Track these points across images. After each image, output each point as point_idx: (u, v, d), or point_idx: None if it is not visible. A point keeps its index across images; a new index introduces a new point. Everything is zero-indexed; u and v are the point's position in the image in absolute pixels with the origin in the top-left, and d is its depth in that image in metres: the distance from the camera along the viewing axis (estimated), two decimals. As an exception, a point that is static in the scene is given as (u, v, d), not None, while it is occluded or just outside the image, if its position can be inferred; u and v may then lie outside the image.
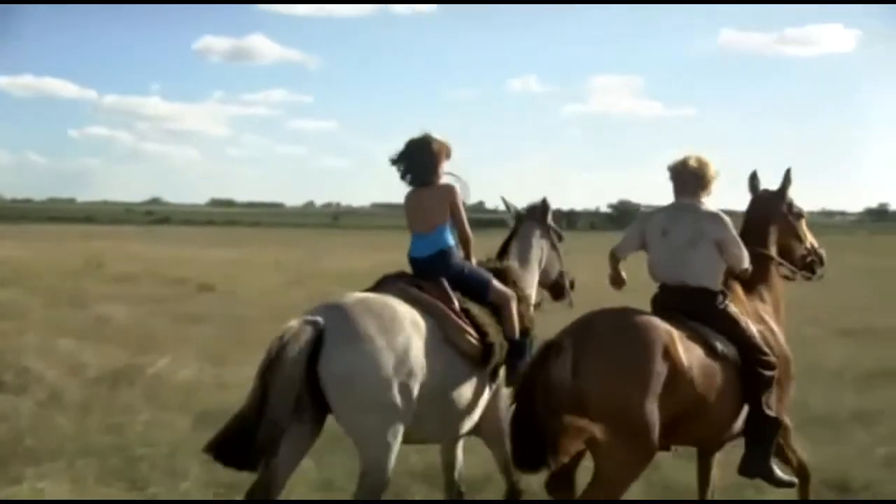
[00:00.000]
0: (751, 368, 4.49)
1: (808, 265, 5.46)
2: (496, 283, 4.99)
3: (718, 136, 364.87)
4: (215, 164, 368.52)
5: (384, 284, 4.85)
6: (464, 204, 5.03)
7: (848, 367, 9.95)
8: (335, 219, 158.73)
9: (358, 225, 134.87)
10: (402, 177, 5.06)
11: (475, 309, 4.76)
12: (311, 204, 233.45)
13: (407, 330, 4.36)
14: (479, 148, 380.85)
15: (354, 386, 4.18)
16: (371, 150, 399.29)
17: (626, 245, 4.99)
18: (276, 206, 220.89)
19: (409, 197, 5.08)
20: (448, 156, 5.04)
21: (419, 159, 4.98)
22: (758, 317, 4.90)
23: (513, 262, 5.36)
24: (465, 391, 4.64)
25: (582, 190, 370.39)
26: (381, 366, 4.20)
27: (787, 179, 5.33)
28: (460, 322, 4.63)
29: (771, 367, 4.54)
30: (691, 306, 4.57)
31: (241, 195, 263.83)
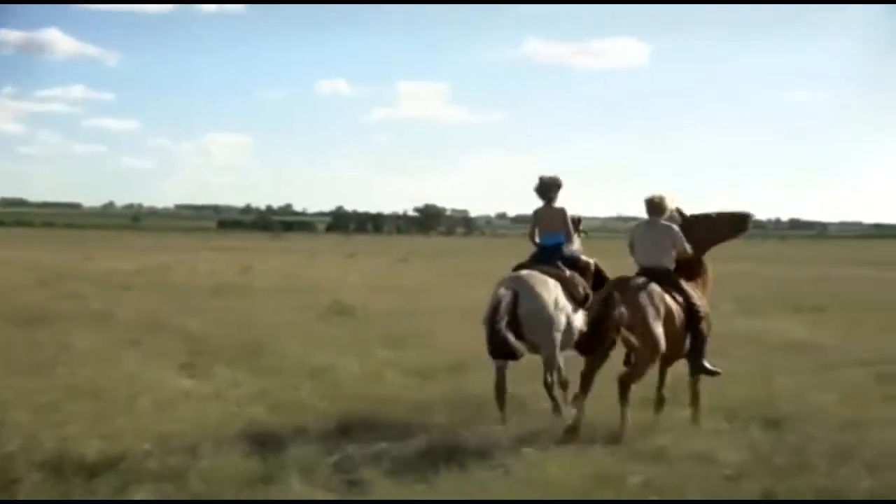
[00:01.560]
0: (692, 309, 7.83)
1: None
2: (583, 256, 8.62)
3: (525, 141, 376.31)
4: (6, 162, 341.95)
5: (527, 267, 8.21)
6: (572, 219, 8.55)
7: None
8: (135, 220, 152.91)
9: (159, 227, 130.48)
10: (539, 196, 8.56)
11: (576, 275, 8.26)
12: (111, 205, 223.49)
13: (552, 288, 7.82)
14: (288, 149, 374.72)
15: (539, 315, 7.66)
16: (175, 151, 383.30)
17: (631, 245, 8.30)
18: (73, 207, 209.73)
19: (541, 209, 8.57)
20: (561, 186, 8.55)
21: (548, 188, 8.51)
22: (697, 293, 8.13)
23: (580, 249, 8.82)
24: (576, 319, 8.01)
25: (389, 194, 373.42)
26: (548, 305, 7.71)
27: (706, 214, 8.55)
28: (574, 282, 8.12)
29: (702, 309, 7.93)
30: (659, 278, 7.82)
31: (35, 195, 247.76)
